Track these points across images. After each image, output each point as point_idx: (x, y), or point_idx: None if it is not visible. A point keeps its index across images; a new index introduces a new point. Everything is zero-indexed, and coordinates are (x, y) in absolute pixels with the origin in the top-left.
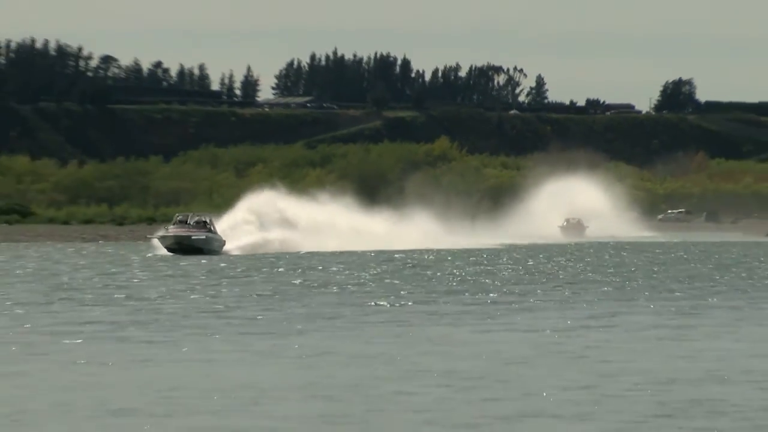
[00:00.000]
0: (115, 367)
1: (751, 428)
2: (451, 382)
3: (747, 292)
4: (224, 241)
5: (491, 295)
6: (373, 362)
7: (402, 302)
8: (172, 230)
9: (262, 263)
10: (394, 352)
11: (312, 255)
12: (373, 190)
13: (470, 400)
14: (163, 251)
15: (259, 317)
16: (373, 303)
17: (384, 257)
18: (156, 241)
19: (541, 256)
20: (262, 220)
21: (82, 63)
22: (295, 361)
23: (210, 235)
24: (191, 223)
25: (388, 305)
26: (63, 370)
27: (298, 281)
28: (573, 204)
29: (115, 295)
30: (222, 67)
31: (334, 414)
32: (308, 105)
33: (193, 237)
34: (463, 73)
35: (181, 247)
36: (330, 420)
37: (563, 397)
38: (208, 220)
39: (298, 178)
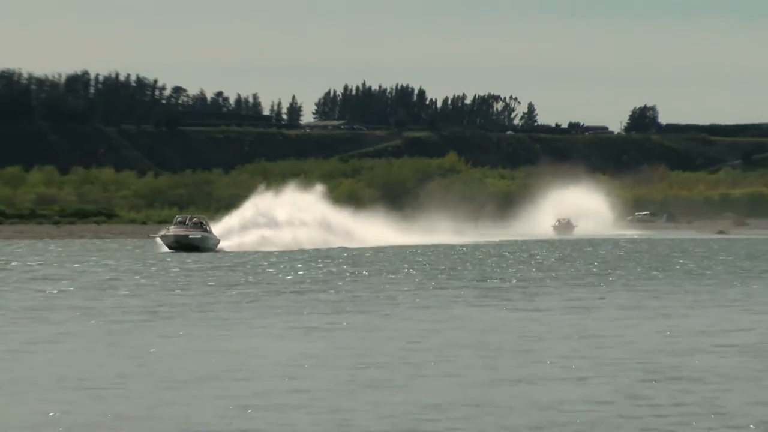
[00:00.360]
0: (201, 340)
1: (720, 391)
2: (476, 352)
3: (706, 278)
4: (219, 240)
5: (503, 281)
6: (412, 336)
7: (428, 288)
8: (173, 230)
9: (314, 255)
10: (429, 328)
11: (346, 249)
12: (395, 196)
13: (493, 366)
14: (165, 248)
15: (316, 299)
16: (406, 288)
17: (408, 251)
18: (159, 240)
19: (537, 250)
20: (319, 220)
21: (157, 93)
22: (348, 335)
23: (205, 234)
24: (189, 224)
25: (417, 290)
26: (161, 342)
27: (333, 269)
28: (563, 206)
29: (191, 281)
30: (272, 96)
31: (383, 378)
32: (342, 127)
33: (190, 236)
34: (468, 101)
35: (180, 244)
36: (380, 384)
37: (566, 364)
38: (203, 222)
39: (333, 187)
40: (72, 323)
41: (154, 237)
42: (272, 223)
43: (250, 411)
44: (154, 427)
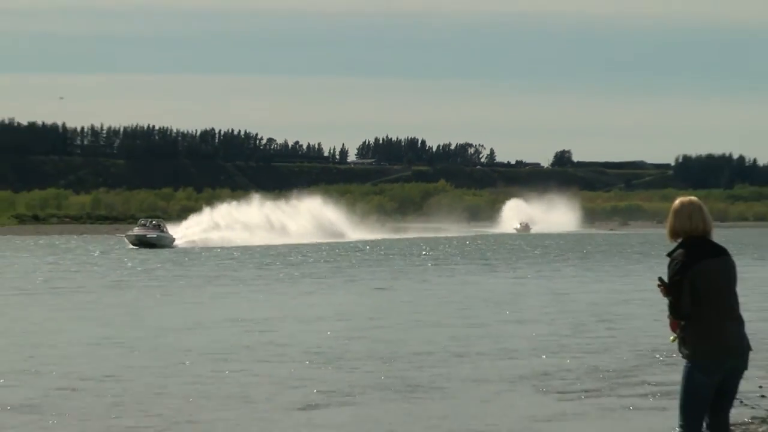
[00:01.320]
0: (311, 296)
1: (639, 331)
2: (485, 303)
3: (618, 259)
4: (174, 238)
5: (489, 260)
6: (442, 294)
7: (438, 264)
8: (135, 230)
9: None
10: (453, 290)
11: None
12: (407, 207)
13: (498, 311)
14: (130, 245)
15: (370, 272)
16: (429, 264)
17: (418, 240)
18: (125, 238)
19: (508, 242)
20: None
21: (258, 141)
22: (399, 295)
23: (161, 234)
24: (149, 225)
25: (435, 265)
26: (284, 299)
27: (364, 254)
28: (522, 214)
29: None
30: (329, 143)
31: (431, 320)
32: (373, 163)
33: (147, 235)
34: (453, 147)
35: (140, 242)
36: (429, 323)
37: (541, 311)
38: (161, 224)
39: (367, 201)
40: (226, 288)
41: (122, 236)
42: (230, 227)
43: (345, 339)
44: (286, 349)
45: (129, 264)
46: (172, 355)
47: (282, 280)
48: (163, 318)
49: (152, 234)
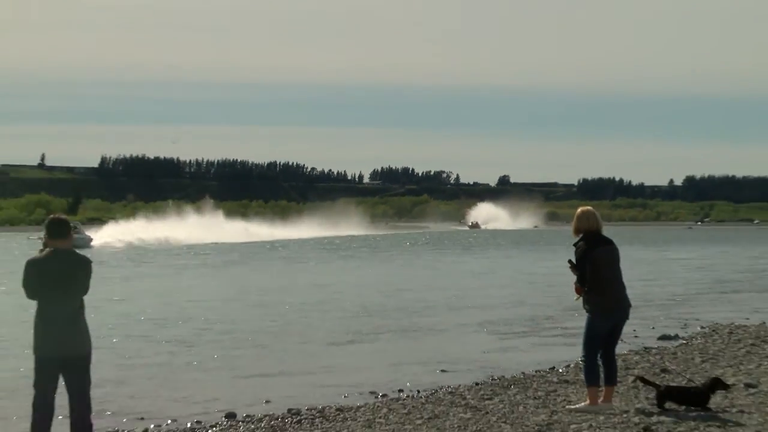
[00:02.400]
0: (357, 269)
1: (567, 291)
2: (468, 275)
3: (542, 245)
4: (91, 239)
5: (462, 247)
6: (435, 269)
7: (427, 251)
8: None
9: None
10: (440, 267)
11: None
12: (403, 214)
13: (478, 281)
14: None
15: (392, 255)
16: (427, 249)
17: (406, 233)
18: (39, 240)
19: (466, 235)
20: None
21: (304, 170)
22: (406, 270)
23: (74, 235)
24: None
25: (428, 249)
26: (315, 274)
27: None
28: (476, 215)
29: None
30: (351, 170)
31: (437, 284)
32: (379, 184)
33: None
34: (432, 173)
35: None
36: (434, 285)
37: (507, 280)
38: (77, 226)
39: (375, 209)
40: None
41: (35, 239)
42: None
43: (386, 295)
44: (342, 304)
45: (231, 247)
46: (270, 308)
47: (336, 260)
48: (264, 284)
49: None
